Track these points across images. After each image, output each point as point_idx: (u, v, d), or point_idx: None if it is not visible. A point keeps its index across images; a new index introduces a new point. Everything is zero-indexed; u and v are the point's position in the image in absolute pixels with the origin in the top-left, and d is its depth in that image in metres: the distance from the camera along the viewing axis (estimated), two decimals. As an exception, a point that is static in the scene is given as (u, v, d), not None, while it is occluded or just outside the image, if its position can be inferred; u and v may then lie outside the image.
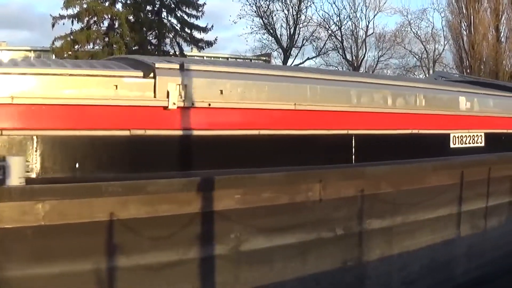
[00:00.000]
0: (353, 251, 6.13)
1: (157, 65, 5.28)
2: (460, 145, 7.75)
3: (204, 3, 34.96)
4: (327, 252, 5.92)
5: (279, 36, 36.07)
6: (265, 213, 5.47)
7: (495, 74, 30.89)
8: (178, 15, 35.15)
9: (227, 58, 41.40)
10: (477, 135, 8.04)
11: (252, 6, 35.77)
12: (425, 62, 36.33)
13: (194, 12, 35.13)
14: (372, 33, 36.56)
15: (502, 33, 32.68)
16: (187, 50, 35.74)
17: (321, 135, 6.18)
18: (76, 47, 32.72)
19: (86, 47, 33.01)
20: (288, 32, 35.91)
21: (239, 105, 5.67)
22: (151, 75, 5.23)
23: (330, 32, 36.16)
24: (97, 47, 33.45)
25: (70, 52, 31.67)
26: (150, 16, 34.66)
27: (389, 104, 6.74)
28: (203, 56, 39.91)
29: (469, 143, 7.92)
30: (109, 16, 33.49)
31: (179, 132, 5.40)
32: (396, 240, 6.53)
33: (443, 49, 36.06)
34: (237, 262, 5.34)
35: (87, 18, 32.85)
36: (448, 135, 7.60)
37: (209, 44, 35.42)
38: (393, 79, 7.94)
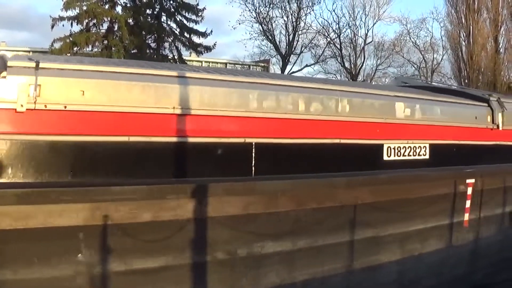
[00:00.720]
0: (241, 278, 5.05)
1: (8, 63, 4.38)
2: (396, 158, 6.59)
3: (204, 8, 34.38)
4: (205, 279, 4.85)
5: (278, 42, 35.22)
6: (121, 232, 4.45)
7: (493, 85, 29.54)
8: (178, 19, 34.56)
9: (226, 64, 40.52)
10: (419, 146, 6.89)
11: (251, 12, 34.96)
12: (424, 72, 35.12)
13: (193, 17, 34.56)
14: (371, 42, 35.63)
15: (501, 44, 31.53)
16: (186, 54, 35.00)
17: (208, 143, 5.10)
18: (75, 49, 32.23)
19: (85, 49, 32.51)
20: (287, 39, 35.02)
21: (104, 108, 4.66)
22: (3, 74, 4.33)
23: (329, 39, 35.20)
24: (96, 49, 32.96)
25: (69, 54, 31.14)
26: (149, 19, 34.10)
27: (301, 110, 5.62)
28: (201, 61, 39.16)
29: (409, 155, 6.76)
30: (109, 19, 33.02)
31: (28, 137, 4.44)
32: (300, 266, 5.42)
33: (442, 59, 34.90)
34: (86, 286, 4.35)
35: (86, 20, 32.43)
36: (381, 146, 6.46)
37: (208, 49, 34.71)
38: (308, 81, 6.74)
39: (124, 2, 33.28)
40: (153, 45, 34.32)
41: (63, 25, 31.73)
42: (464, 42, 31.88)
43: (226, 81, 5.34)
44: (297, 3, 34.80)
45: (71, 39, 32.05)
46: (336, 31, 34.94)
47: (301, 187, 5.34)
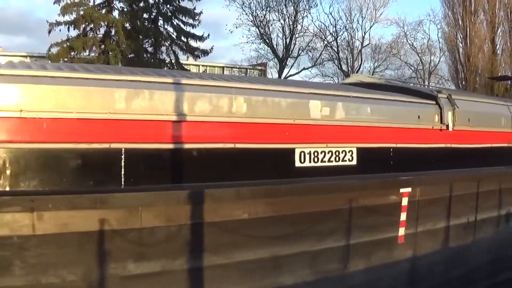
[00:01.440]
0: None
1: None
2: (312, 164, 5.66)
3: (201, 12, 33.58)
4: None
5: (275, 46, 34.28)
6: None
7: (490, 87, 28.27)
8: (175, 23, 33.81)
9: (223, 68, 39.72)
10: (344, 150, 5.94)
11: (248, 16, 34.10)
12: (421, 74, 33.90)
13: (190, 21, 33.76)
14: (368, 44, 34.54)
15: (498, 46, 30.31)
16: (183, 58, 34.24)
17: (63, 150, 4.26)
18: (72, 53, 31.66)
19: (82, 54, 31.91)
20: (284, 42, 34.09)
21: None
22: None
23: (326, 42, 34.16)
24: (93, 54, 32.35)
25: (66, 59, 30.62)
26: (146, 24, 33.39)
27: (183, 110, 4.73)
28: (198, 65, 38.42)
29: (330, 161, 5.82)
30: (106, 24, 32.37)
31: None
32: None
33: (439, 61, 33.64)
34: None
35: (83, 25, 31.79)
36: (292, 150, 5.54)
37: (205, 53, 33.90)
38: (195, 77, 5.72)
39: (121, 7, 32.61)
40: (150, 49, 33.57)
41: (59, 30, 31.14)
42: (461, 44, 30.75)
43: (86, 79, 4.48)
44: (294, 6, 33.90)
45: (68, 44, 31.44)
46: (333, 34, 33.97)
47: (171, 199, 4.44)
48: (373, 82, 8.58)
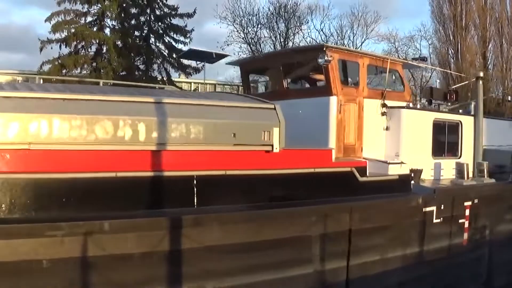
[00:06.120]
0: None
1: None
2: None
3: (192, 29, 32.11)
4: None
5: (266, 62, 32.43)
6: None
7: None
8: (166, 41, 32.26)
9: (214, 85, 37.98)
10: None
11: (240, 33, 32.43)
12: (413, 89, 31.97)
13: (182, 38, 32.24)
14: (359, 60, 32.56)
15: (489, 60, 28.33)
16: (175, 76, 32.54)
17: None
18: (63, 71, 30.03)
19: (73, 71, 30.28)
20: (275, 58, 32.24)
21: None
22: None
23: (317, 59, 32.29)
24: (84, 71, 30.75)
25: (57, 77, 28.97)
26: (138, 41, 31.82)
27: None
28: (190, 82, 36.69)
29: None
30: (97, 41, 30.82)
31: None
32: None
33: (430, 76, 31.64)
34: None
35: (74, 43, 30.21)
36: None
37: (197, 70, 32.22)
38: None
39: (112, 25, 31.06)
40: (142, 66, 31.96)
41: (51, 48, 29.55)
42: (453, 59, 28.97)
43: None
44: (285, 23, 32.19)
45: (59, 61, 29.82)
46: (324, 50, 32.15)
47: None
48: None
